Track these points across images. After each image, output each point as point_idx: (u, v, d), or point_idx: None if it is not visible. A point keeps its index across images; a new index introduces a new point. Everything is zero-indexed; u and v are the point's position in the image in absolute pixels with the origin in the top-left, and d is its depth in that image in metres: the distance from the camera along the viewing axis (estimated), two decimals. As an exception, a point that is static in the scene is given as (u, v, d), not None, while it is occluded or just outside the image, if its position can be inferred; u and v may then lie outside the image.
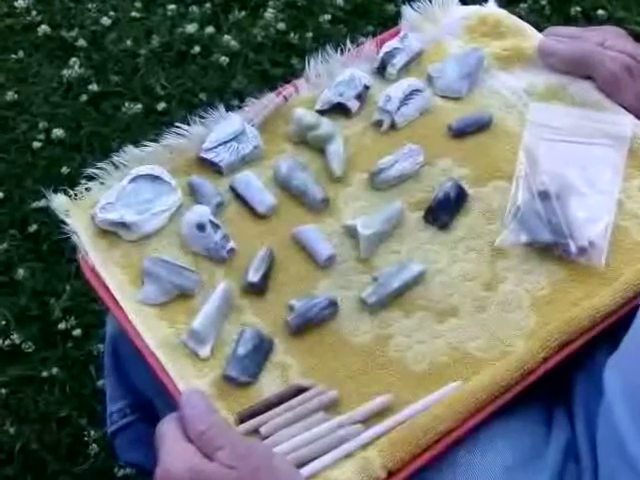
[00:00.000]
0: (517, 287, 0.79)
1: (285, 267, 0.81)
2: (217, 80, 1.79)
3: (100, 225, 0.81)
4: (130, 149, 0.86)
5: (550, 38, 0.94)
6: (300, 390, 0.72)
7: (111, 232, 0.81)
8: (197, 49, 1.83)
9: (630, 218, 0.83)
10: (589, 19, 1.91)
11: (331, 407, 0.72)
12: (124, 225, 0.81)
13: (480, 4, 1.01)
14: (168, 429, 0.64)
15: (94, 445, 1.34)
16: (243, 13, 1.91)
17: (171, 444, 0.63)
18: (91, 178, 0.84)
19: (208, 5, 1.91)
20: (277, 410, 0.71)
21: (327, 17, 1.90)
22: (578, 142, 0.87)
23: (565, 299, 0.78)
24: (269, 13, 1.89)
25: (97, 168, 0.85)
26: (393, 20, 1.00)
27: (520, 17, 1.00)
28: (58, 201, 0.83)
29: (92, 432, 1.34)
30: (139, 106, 1.73)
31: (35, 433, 1.34)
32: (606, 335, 0.76)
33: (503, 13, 0.99)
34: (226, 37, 1.85)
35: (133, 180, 0.83)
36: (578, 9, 1.94)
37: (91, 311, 1.44)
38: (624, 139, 0.86)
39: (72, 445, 1.35)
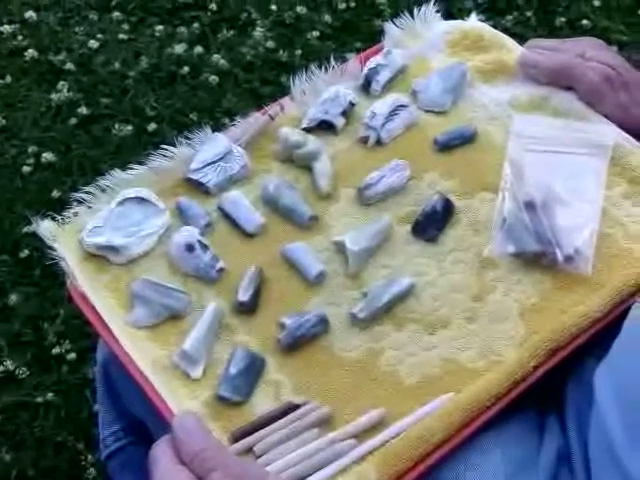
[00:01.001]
0: (506, 297, 0.80)
1: (275, 285, 0.81)
2: (207, 100, 1.79)
3: (88, 249, 0.81)
4: (117, 172, 0.86)
5: (531, 51, 0.95)
6: (293, 407, 0.73)
7: (99, 256, 0.82)
8: (186, 69, 1.84)
9: (615, 225, 0.84)
10: (574, 29, 1.93)
11: (324, 423, 0.72)
12: (112, 248, 0.81)
13: (462, 19, 1.02)
14: (161, 452, 0.64)
15: (92, 469, 1.34)
16: (232, 32, 1.92)
17: (164, 467, 0.63)
18: (79, 202, 0.85)
19: (196, 25, 1.93)
20: (270, 428, 0.71)
21: (315, 34, 1.91)
22: (562, 152, 0.88)
23: (554, 307, 0.79)
24: (258, 32, 1.91)
25: (84, 192, 0.85)
26: (381, 36, 1.01)
27: (506, 29, 1.02)
28: (45, 226, 0.83)
29: (89, 456, 1.34)
30: (129, 128, 1.73)
31: (31, 459, 1.34)
32: (595, 342, 0.76)
33: (484, 27, 1.00)
34: (215, 56, 1.86)
35: (121, 203, 0.83)
36: (563, 19, 1.96)
37: (85, 335, 1.44)
38: (606, 148, 0.87)
39: (69, 470, 1.35)
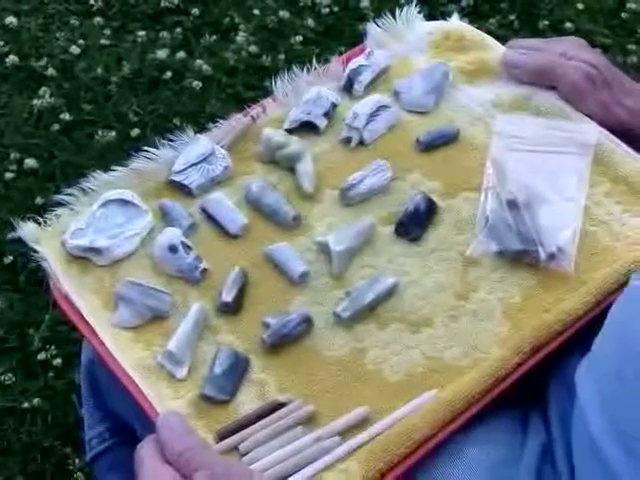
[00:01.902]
0: (489, 295, 0.80)
1: (259, 286, 0.81)
2: (191, 105, 1.79)
3: (71, 251, 0.81)
4: (99, 174, 0.86)
5: (513, 50, 0.95)
6: (278, 406, 0.73)
7: (83, 258, 0.81)
8: (169, 74, 1.84)
9: (597, 224, 0.84)
10: (557, 32, 1.94)
11: (309, 421, 0.72)
12: (95, 250, 0.81)
13: (444, 19, 1.03)
14: (146, 452, 0.64)
15: (79, 474, 1.34)
16: (214, 37, 1.92)
17: (150, 467, 0.63)
18: (61, 205, 0.85)
19: (179, 30, 1.93)
20: (256, 426, 0.71)
21: (299, 39, 1.91)
22: (544, 151, 0.88)
23: (536, 305, 0.79)
24: (240, 36, 1.91)
25: (66, 194, 0.85)
26: (364, 39, 1.01)
27: (489, 32, 1.02)
28: (27, 229, 0.83)
29: (77, 460, 1.34)
30: (112, 134, 1.73)
31: (19, 464, 1.34)
32: (578, 339, 0.76)
33: (466, 27, 1.01)
34: (198, 62, 1.86)
35: (103, 205, 0.83)
36: (546, 22, 1.97)
37: (71, 340, 1.43)
38: (589, 146, 0.88)
39: (57, 475, 1.35)
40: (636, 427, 0.60)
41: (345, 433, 0.71)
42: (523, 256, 0.81)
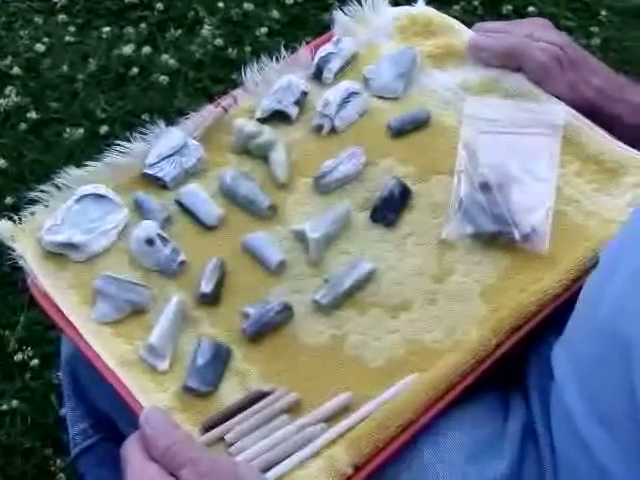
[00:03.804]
0: (466, 278, 0.81)
1: (237, 276, 0.81)
2: (158, 100, 1.78)
3: (47, 247, 0.81)
4: (72, 170, 0.86)
5: (480, 34, 0.96)
6: (261, 395, 0.73)
7: (59, 254, 0.81)
8: (135, 70, 1.83)
9: (569, 203, 0.85)
10: (521, 16, 1.95)
11: (293, 409, 0.72)
12: (72, 246, 0.80)
13: (410, 4, 1.03)
14: (131, 449, 0.64)
15: (61, 474, 1.33)
16: (180, 31, 1.91)
17: (135, 464, 0.63)
18: (35, 202, 0.84)
19: (143, 25, 1.91)
20: (240, 417, 0.72)
21: (264, 30, 1.91)
22: (514, 133, 0.89)
23: (513, 286, 0.80)
24: (206, 30, 1.90)
25: (40, 191, 0.84)
26: (330, 29, 1.01)
27: (454, 18, 1.02)
28: (2, 227, 0.82)
29: (58, 461, 1.33)
30: (81, 131, 1.72)
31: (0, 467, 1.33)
32: (556, 319, 0.77)
33: (433, 12, 1.01)
34: (164, 56, 1.85)
35: (78, 200, 0.83)
36: (509, 7, 1.99)
37: (47, 340, 1.42)
38: (558, 127, 0.88)
39: (38, 476, 1.34)
40: (609, 406, 0.61)
41: (330, 419, 0.72)
42: (498, 237, 0.82)
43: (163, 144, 0.87)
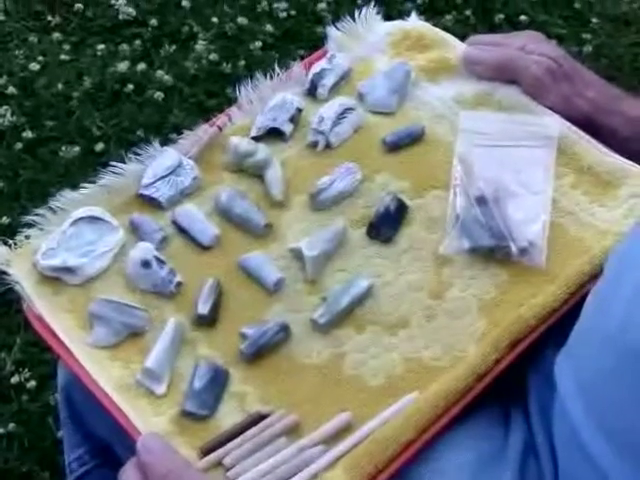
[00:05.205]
0: (464, 293, 0.80)
1: (234, 296, 0.81)
2: (154, 116, 1.78)
3: (43, 272, 0.80)
4: (67, 193, 0.85)
5: (473, 47, 0.96)
6: (260, 418, 0.72)
7: (55, 278, 0.81)
8: (130, 87, 1.82)
9: (565, 215, 0.85)
10: (513, 25, 1.96)
11: (292, 431, 0.72)
12: (68, 269, 0.80)
13: (402, 18, 1.03)
14: (129, 476, 0.64)
15: (58, 499, 1.32)
16: (174, 47, 1.91)
17: None
18: (30, 225, 0.84)
19: (138, 42, 1.91)
20: (239, 440, 0.71)
21: (258, 44, 1.91)
22: (509, 146, 0.89)
23: (511, 300, 0.79)
24: (200, 45, 1.90)
25: (35, 215, 0.84)
26: (323, 42, 1.01)
27: (446, 28, 1.02)
28: (-3, 252, 0.82)
29: (55, 485, 1.33)
30: (76, 149, 1.72)
31: (-4, 492, 1.32)
32: (555, 332, 0.77)
33: (425, 26, 1.01)
34: (159, 72, 1.85)
35: (73, 223, 0.82)
36: (501, 16, 1.99)
37: (44, 361, 1.41)
38: (552, 139, 0.88)
39: (36, 500, 1.33)
40: (618, 420, 0.61)
41: (329, 441, 0.71)
42: (495, 252, 0.82)
43: (158, 164, 0.87)
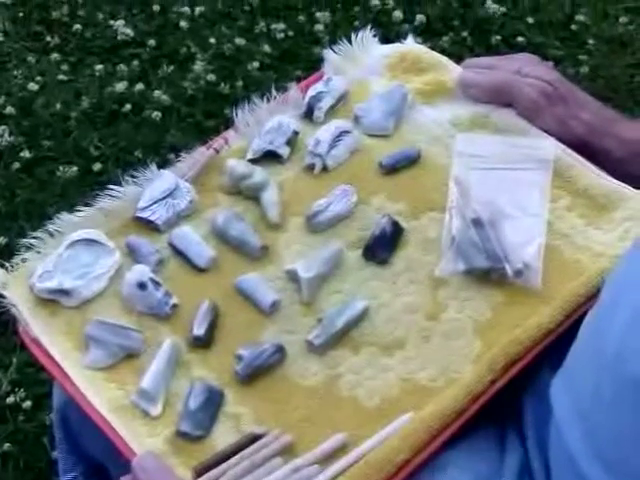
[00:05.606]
0: (459, 314, 0.81)
1: (230, 318, 0.81)
2: (151, 136, 1.79)
3: (39, 294, 0.81)
4: (64, 215, 0.86)
5: (469, 70, 0.97)
6: (255, 438, 0.73)
7: (51, 300, 0.81)
8: (128, 107, 1.83)
9: (560, 237, 0.85)
10: (510, 46, 1.97)
11: (287, 451, 0.72)
12: (64, 292, 0.80)
13: (399, 40, 1.04)
14: None
15: (53, 520, 1.31)
16: (172, 67, 1.92)
17: None
18: (27, 248, 0.84)
19: (136, 62, 1.92)
20: (234, 460, 0.71)
21: (255, 65, 1.92)
22: (505, 168, 0.89)
23: (507, 321, 0.80)
24: (198, 65, 1.91)
25: (32, 237, 0.84)
26: (320, 63, 1.02)
27: (443, 49, 1.03)
28: (-6, 275, 0.82)
29: (50, 506, 1.32)
30: (74, 169, 1.72)
31: (-8, 513, 1.32)
32: (550, 354, 0.77)
33: (422, 49, 1.02)
34: (157, 92, 1.85)
35: (70, 246, 0.83)
36: (498, 37, 2.00)
37: (40, 381, 1.41)
38: (548, 162, 0.89)
39: (31, 520, 1.32)
40: (615, 449, 0.60)
41: (324, 461, 0.71)
42: (491, 273, 0.82)
43: (155, 187, 0.87)
